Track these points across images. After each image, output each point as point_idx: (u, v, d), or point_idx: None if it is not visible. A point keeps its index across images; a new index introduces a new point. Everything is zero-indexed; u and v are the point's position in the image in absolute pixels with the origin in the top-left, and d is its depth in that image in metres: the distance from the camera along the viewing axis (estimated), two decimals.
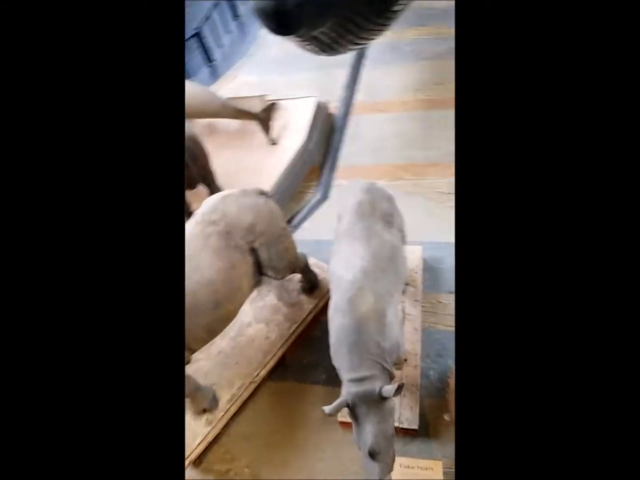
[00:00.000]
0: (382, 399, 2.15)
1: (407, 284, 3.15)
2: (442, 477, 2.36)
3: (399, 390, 2.11)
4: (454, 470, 2.56)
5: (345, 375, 2.28)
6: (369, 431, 2.12)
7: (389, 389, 2.12)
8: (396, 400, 2.70)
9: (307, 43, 3.18)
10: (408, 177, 4.00)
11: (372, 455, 2.10)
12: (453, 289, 3.25)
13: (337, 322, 2.38)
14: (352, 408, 2.19)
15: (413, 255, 3.37)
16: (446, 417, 2.71)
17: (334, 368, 2.39)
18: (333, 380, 2.69)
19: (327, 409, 2.17)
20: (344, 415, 2.67)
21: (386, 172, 4.09)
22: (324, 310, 2.98)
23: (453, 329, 3.07)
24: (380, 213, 2.71)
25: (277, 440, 2.89)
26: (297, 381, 3.09)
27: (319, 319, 3.22)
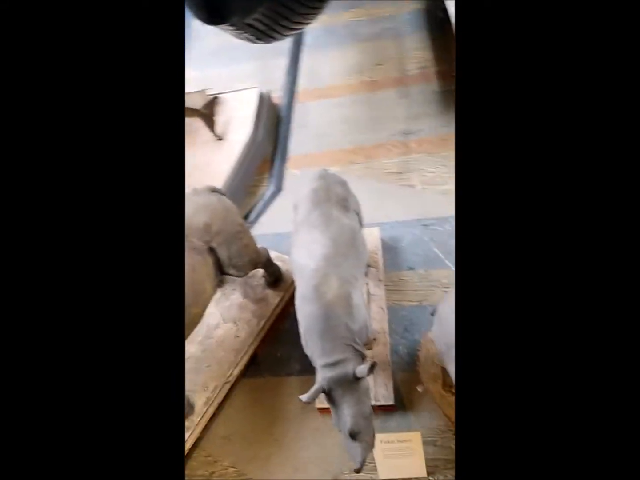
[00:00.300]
0: (356, 379, 2.19)
1: (369, 266, 3.20)
2: (421, 447, 2.43)
3: (372, 369, 2.16)
4: (433, 438, 2.66)
5: (318, 361, 2.30)
6: (347, 413, 2.16)
7: (362, 369, 2.16)
8: (370, 379, 2.77)
9: (241, 32, 3.12)
10: (359, 160, 4.03)
11: (353, 435, 2.14)
12: (412, 265, 3.34)
13: (305, 311, 2.39)
14: (328, 393, 2.22)
15: (371, 237, 3.42)
16: (419, 389, 2.79)
17: (307, 357, 2.41)
18: (307, 369, 2.71)
19: (303, 397, 2.18)
20: (322, 402, 2.70)
21: (337, 158, 4.11)
22: (291, 302, 2.99)
23: (416, 303, 3.16)
24: (335, 198, 2.73)
25: (258, 436, 2.89)
26: (271, 375, 3.09)
27: (287, 311, 3.22)
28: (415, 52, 4.65)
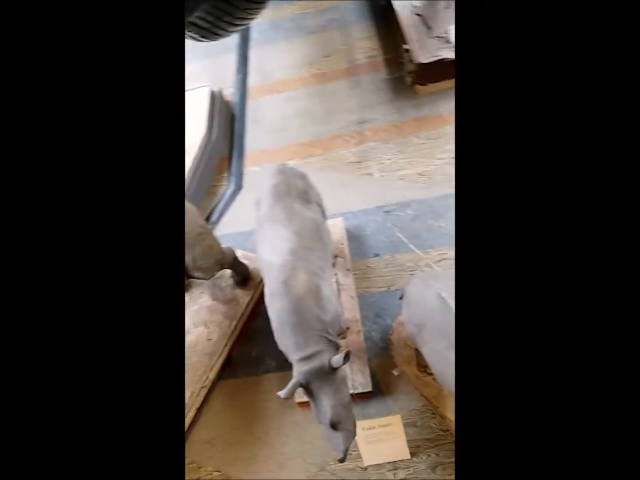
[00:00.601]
0: (333, 370, 2.20)
1: (336, 256, 3.21)
2: (402, 430, 2.48)
3: (347, 358, 2.17)
4: (413, 420, 2.72)
5: (293, 356, 2.29)
6: (327, 404, 2.17)
7: (337, 359, 2.17)
8: (347, 368, 2.79)
9: (186, 30, 3.04)
10: (317, 152, 4.03)
11: (334, 426, 2.16)
12: (378, 252, 3.38)
13: (276, 307, 2.38)
14: (306, 386, 2.22)
15: (336, 228, 3.44)
16: (395, 373, 2.84)
17: (282, 353, 2.40)
18: (284, 365, 2.71)
19: (282, 393, 2.18)
20: (301, 396, 2.70)
21: (295, 151, 4.10)
22: (261, 300, 2.96)
23: (385, 289, 3.20)
24: (296, 192, 2.72)
25: (240, 437, 2.86)
26: (248, 375, 3.06)
27: (258, 309, 3.20)
28: (362, 42, 4.67)
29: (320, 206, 2.90)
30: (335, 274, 3.21)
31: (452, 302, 2.22)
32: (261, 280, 3.02)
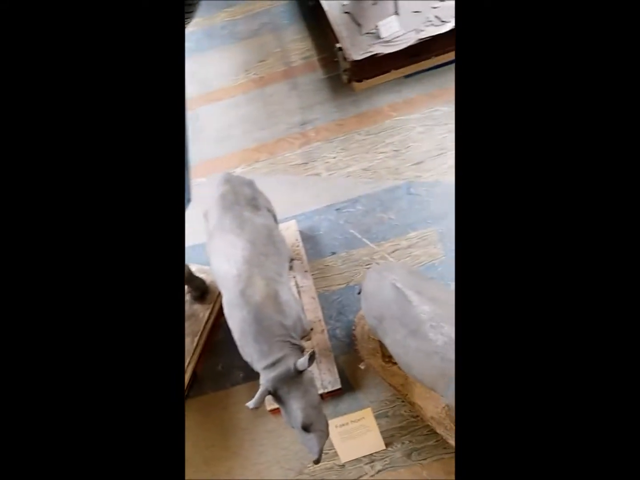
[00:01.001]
0: (299, 373, 2.21)
1: (292, 259, 3.22)
2: (374, 422, 2.52)
3: (311, 359, 2.18)
4: (384, 410, 2.76)
5: (258, 365, 2.28)
6: (296, 407, 2.17)
7: (302, 361, 2.18)
8: (314, 368, 2.80)
9: None
10: (262, 158, 4.02)
11: (306, 428, 2.16)
12: (333, 250, 3.41)
13: (236, 317, 2.35)
14: (274, 393, 2.21)
15: (290, 230, 3.44)
16: (361, 366, 2.88)
17: (248, 364, 2.38)
18: (251, 375, 2.69)
19: (250, 404, 2.16)
20: (272, 404, 2.69)
21: (241, 159, 4.06)
22: (221, 312, 2.92)
23: (344, 285, 3.24)
24: (244, 199, 2.71)
25: (215, 454, 2.81)
26: (216, 390, 3.01)
27: (219, 322, 3.15)
28: (296, 43, 4.69)
29: (271, 211, 2.90)
30: (294, 277, 3.22)
31: (407, 291, 2.28)
32: (219, 293, 2.98)
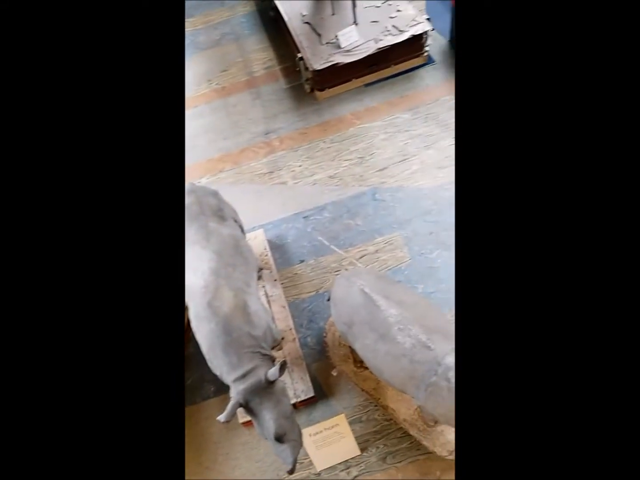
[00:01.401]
0: (270, 383, 2.19)
1: (261, 269, 3.20)
2: (349, 428, 2.52)
3: (282, 369, 2.17)
4: (358, 416, 2.77)
5: (228, 377, 2.25)
6: (269, 418, 2.15)
7: (273, 372, 2.16)
8: (287, 377, 2.78)
9: None
10: (227, 167, 3.99)
11: (279, 438, 2.14)
12: (302, 258, 3.41)
13: (203, 330, 2.31)
14: (246, 405, 2.18)
15: (258, 240, 3.42)
16: (334, 373, 2.88)
17: (218, 377, 2.34)
18: (222, 388, 2.64)
19: (221, 417, 2.13)
20: (244, 416, 2.65)
21: (205, 169, 4.02)
22: (188, 326, 2.86)
23: (314, 293, 3.24)
24: (209, 210, 2.67)
25: (191, 469, 2.74)
26: (187, 405, 2.94)
27: (187, 336, 3.08)
28: (258, 53, 4.71)
29: (237, 221, 2.87)
30: (263, 287, 3.19)
31: (374, 295, 2.30)
32: (186, 306, 2.92)
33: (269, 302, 3.14)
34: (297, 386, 2.79)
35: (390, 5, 4.23)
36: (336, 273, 3.28)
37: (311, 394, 2.76)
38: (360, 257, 3.34)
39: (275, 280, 3.27)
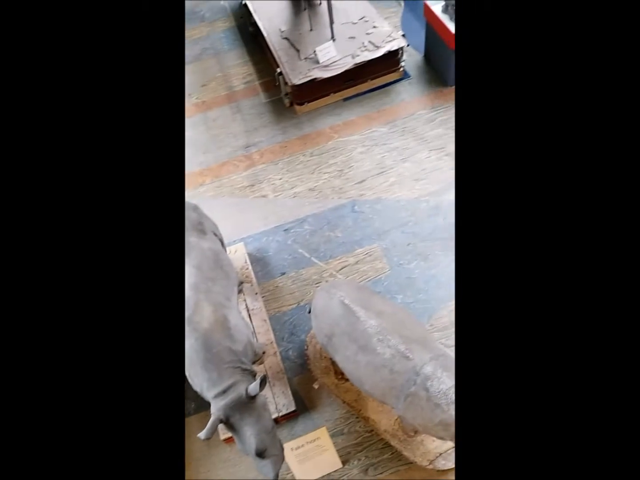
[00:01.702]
0: (251, 398, 2.18)
1: (242, 282, 3.20)
2: (330, 441, 2.52)
3: (263, 383, 2.16)
4: (339, 428, 2.77)
5: (209, 394, 2.23)
6: (250, 434, 2.14)
7: (253, 386, 2.15)
8: (268, 392, 2.78)
9: None
10: (208, 181, 4.00)
11: (260, 454, 2.13)
12: (283, 271, 3.42)
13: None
14: (226, 421, 2.17)
15: (238, 253, 3.43)
16: (315, 386, 2.88)
17: (198, 393, 2.32)
18: (203, 405, 2.62)
19: (202, 434, 2.11)
20: (225, 432, 2.63)
21: (186, 182, 4.01)
22: None
23: (295, 305, 3.25)
24: (190, 224, 2.68)
25: None
26: None
27: None
28: (237, 68, 4.75)
29: (217, 235, 2.88)
30: (244, 300, 3.19)
31: (354, 307, 2.33)
32: None
33: (249, 315, 3.14)
34: (278, 400, 2.78)
35: (366, 21, 4.33)
36: (317, 285, 3.30)
37: (293, 408, 2.76)
38: (341, 269, 3.37)
39: (256, 293, 3.27)
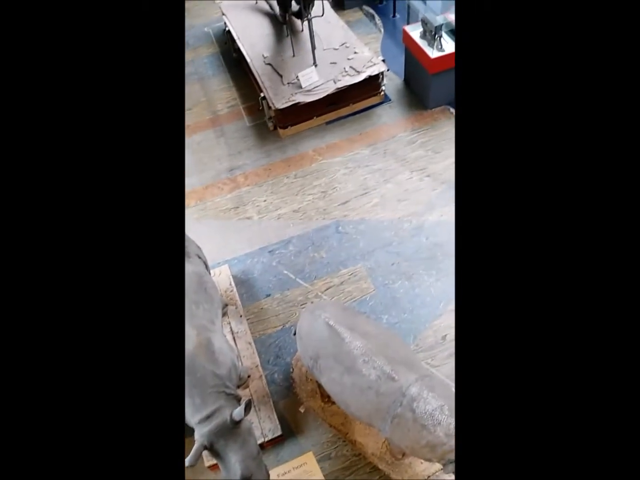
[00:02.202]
0: (236, 424, 2.15)
1: (226, 305, 3.17)
2: (317, 465, 2.48)
3: (248, 408, 2.13)
4: (327, 452, 2.72)
5: (192, 420, 2.19)
6: (235, 460, 2.09)
7: (238, 411, 2.12)
8: (254, 417, 2.73)
9: None
10: (193, 203, 4.00)
11: None
12: (268, 292, 3.41)
13: None
14: (211, 448, 2.12)
15: (223, 275, 3.41)
16: (301, 410, 2.85)
17: None
18: (187, 431, 2.55)
19: (186, 461, 2.05)
20: (210, 459, 2.57)
21: None
22: None
23: (280, 327, 3.23)
24: None
25: None
26: None
27: None
28: (221, 93, 4.83)
29: (201, 257, 2.87)
30: (228, 323, 3.17)
31: (339, 328, 2.32)
32: None
33: (234, 339, 3.11)
34: (264, 425, 2.73)
35: (347, 47, 4.45)
36: (302, 306, 3.29)
37: (279, 432, 2.71)
38: (326, 290, 3.38)
39: (241, 316, 3.25)
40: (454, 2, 4.23)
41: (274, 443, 2.74)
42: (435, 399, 2.07)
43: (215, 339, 2.40)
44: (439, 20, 3.97)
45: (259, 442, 2.59)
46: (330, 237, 3.64)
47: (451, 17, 4.16)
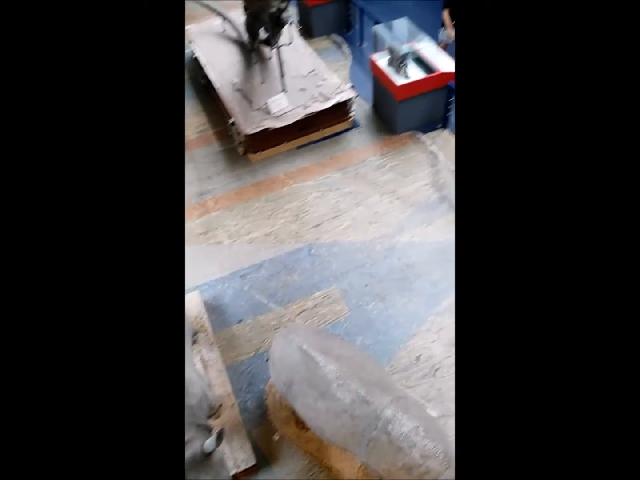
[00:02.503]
0: (207, 456, 2.07)
1: (196, 333, 3.10)
2: None
3: (219, 438, 2.06)
4: None
5: None
6: None
7: (209, 443, 2.04)
8: (225, 447, 2.64)
9: None
10: None
11: None
12: (240, 318, 3.35)
13: None
14: None
15: (193, 302, 3.33)
16: (275, 437, 2.77)
17: None
18: None
19: None
20: None
21: None
22: None
23: (253, 353, 3.16)
24: None
25: None
26: None
27: None
28: (190, 118, 4.83)
29: None
30: (199, 352, 3.08)
31: (313, 352, 2.29)
32: None
33: (205, 367, 3.02)
34: (237, 455, 2.64)
35: (316, 74, 4.56)
36: (276, 331, 3.24)
37: (252, 462, 2.62)
38: (300, 313, 3.35)
39: (212, 343, 3.17)
40: (419, 32, 4.42)
41: (248, 473, 2.65)
42: (410, 420, 2.06)
43: (185, 369, 2.33)
44: (404, 49, 4.12)
45: (232, 473, 2.50)
46: (303, 260, 3.63)
47: (416, 46, 4.33)
